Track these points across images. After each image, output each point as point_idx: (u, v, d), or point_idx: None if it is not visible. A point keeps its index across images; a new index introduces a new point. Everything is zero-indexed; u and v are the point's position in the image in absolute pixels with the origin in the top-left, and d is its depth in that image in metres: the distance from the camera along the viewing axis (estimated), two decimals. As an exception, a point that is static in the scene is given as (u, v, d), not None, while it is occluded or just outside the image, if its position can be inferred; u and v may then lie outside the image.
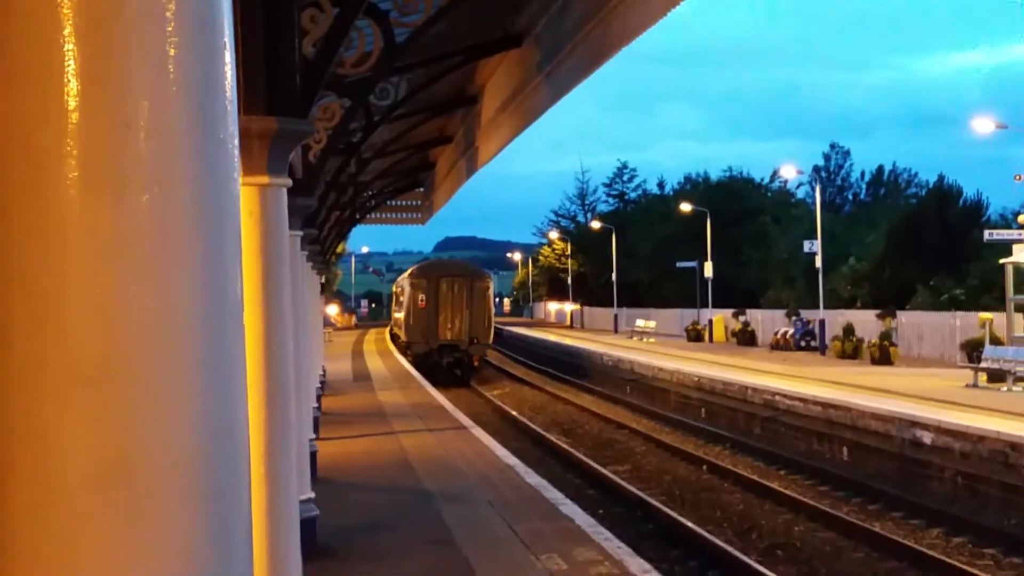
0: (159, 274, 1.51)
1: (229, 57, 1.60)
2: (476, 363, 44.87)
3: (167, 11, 1.52)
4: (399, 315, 50.29)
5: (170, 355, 1.51)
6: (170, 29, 1.52)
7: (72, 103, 1.48)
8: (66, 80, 1.48)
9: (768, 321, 55.02)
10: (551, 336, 70.48)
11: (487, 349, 47.24)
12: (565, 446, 26.55)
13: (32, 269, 1.49)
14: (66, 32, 1.48)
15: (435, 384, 36.33)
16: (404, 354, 48.24)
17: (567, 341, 62.18)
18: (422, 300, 44.03)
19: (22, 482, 1.49)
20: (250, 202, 6.90)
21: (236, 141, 1.61)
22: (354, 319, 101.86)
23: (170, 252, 1.51)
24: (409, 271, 49.26)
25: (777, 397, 29.07)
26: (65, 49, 1.48)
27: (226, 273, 1.57)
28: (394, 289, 58.74)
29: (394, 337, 57.47)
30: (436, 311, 43.80)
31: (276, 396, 7.21)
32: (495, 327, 49.66)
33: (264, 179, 6.98)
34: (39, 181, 1.49)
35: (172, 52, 1.52)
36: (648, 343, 58.32)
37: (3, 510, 1.51)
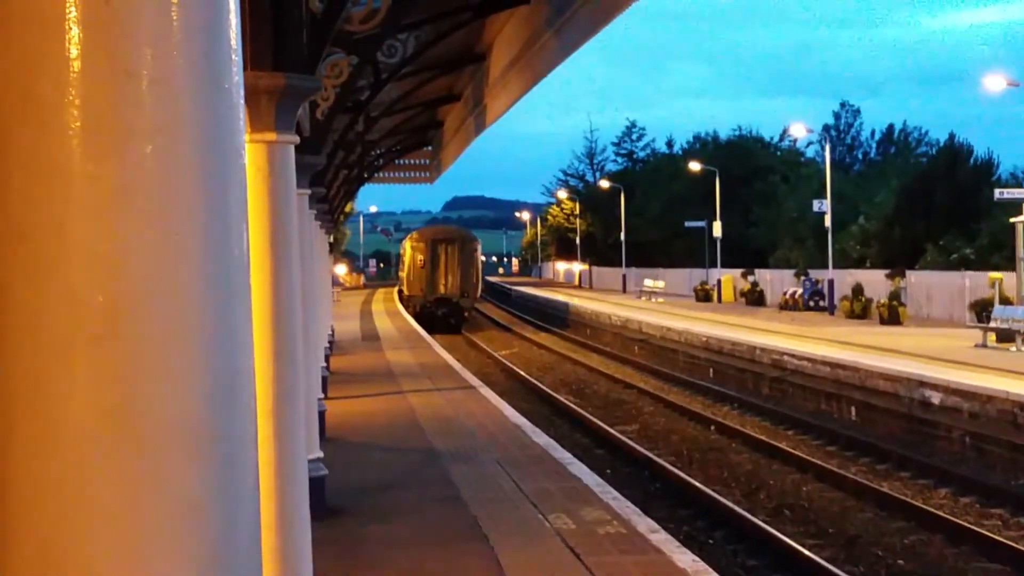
0: (163, 227, 1.48)
1: (234, 5, 1.57)
2: (466, 315, 52.09)
3: (170, -43, 1.48)
4: (403, 274, 57.49)
5: (175, 310, 1.48)
6: (173, -25, 1.48)
7: (73, 50, 1.44)
8: (67, 27, 1.44)
9: (777, 281, 54.97)
10: (559, 296, 70.50)
11: (475, 302, 55.10)
12: (573, 406, 26.61)
13: (33, 222, 1.46)
14: (66, -23, 1.44)
15: (432, 332, 42.02)
16: (406, 307, 54.52)
17: (576, 301, 62.19)
18: (421, 261, 52.11)
19: (27, 440, 1.47)
20: (258, 159, 6.86)
21: (241, 92, 1.58)
22: (362, 279, 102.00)
23: (174, 204, 1.48)
24: (409, 235, 57.11)
25: (785, 357, 29.06)
26: (65, -5, 1.44)
27: (231, 226, 1.54)
28: (400, 251, 66.31)
29: (401, 295, 61.42)
30: (432, 269, 51.76)
31: (284, 354, 7.20)
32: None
33: (272, 136, 6.93)
34: (40, 130, 1.45)
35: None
36: (657, 303, 58.30)
37: (8, 469, 1.48)
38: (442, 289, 51.69)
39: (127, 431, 1.47)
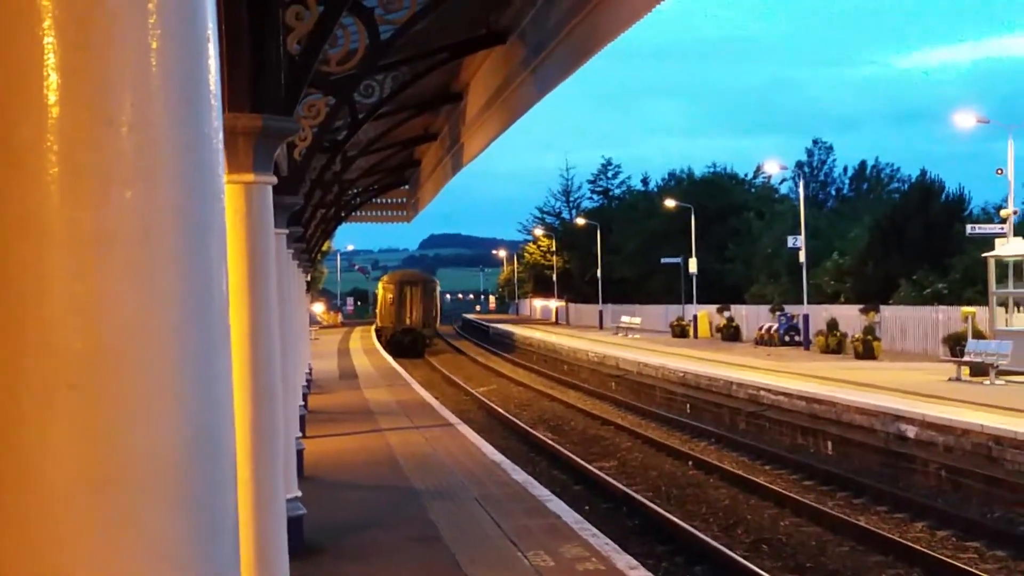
0: (143, 273, 1.47)
1: (213, 51, 1.56)
2: (429, 341, 64.60)
3: (149, 3, 1.48)
4: (377, 309, 70.54)
5: (155, 357, 1.47)
6: (152, 21, 1.48)
7: (52, 97, 1.44)
8: (46, 74, 1.44)
9: (753, 316, 55.13)
10: (536, 333, 70.50)
11: (436, 331, 69.64)
12: (551, 442, 26.55)
13: (11, 269, 1.45)
14: (45, 24, 1.44)
15: (399, 356, 53.49)
16: (379, 338, 64.67)
17: (552, 338, 62.20)
18: (390, 298, 65.53)
19: (5, 490, 1.45)
20: (235, 200, 6.85)
21: (221, 137, 1.57)
22: (340, 317, 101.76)
23: (154, 251, 1.47)
24: (381, 278, 73.70)
25: (762, 392, 29.10)
26: (44, 42, 1.44)
27: (211, 272, 1.53)
28: (376, 290, 78.91)
29: (377, 329, 69.30)
30: (399, 306, 64.56)
31: (262, 394, 7.17)
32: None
33: (249, 177, 6.93)
34: (19, 177, 1.44)
35: (155, 45, 1.48)
36: (633, 339, 58.35)
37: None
38: (408, 321, 64.05)
39: (106, 478, 1.45)
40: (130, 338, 1.46)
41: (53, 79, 1.44)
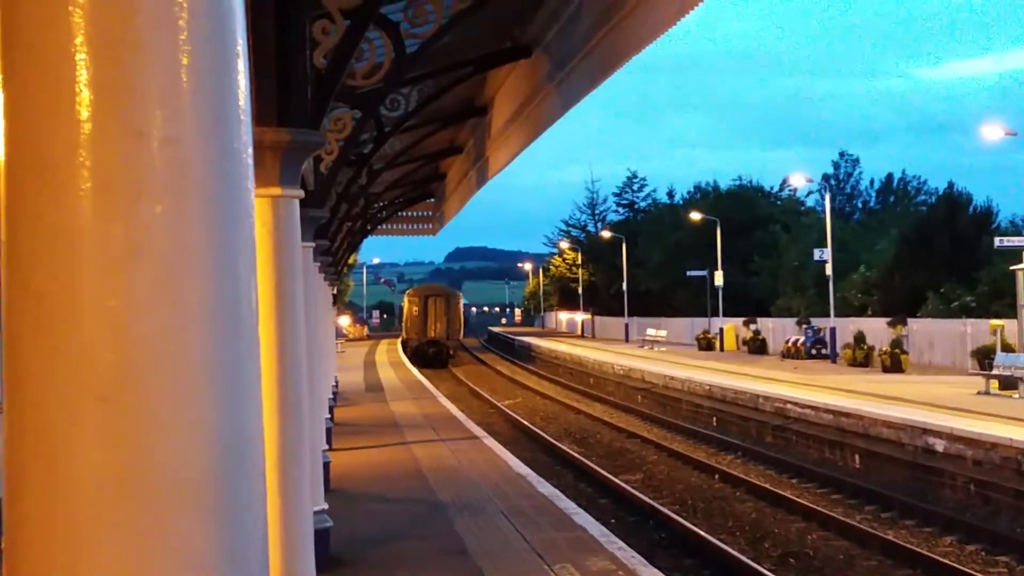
0: (173, 287, 1.48)
1: (243, 66, 1.57)
2: (452, 352, 66.99)
3: (180, 19, 1.48)
4: (404, 323, 74.17)
5: (185, 369, 1.47)
6: (183, 37, 1.49)
7: (84, 112, 1.45)
8: (78, 89, 1.45)
9: (779, 329, 54.94)
10: (562, 346, 70.48)
11: (459, 342, 73.38)
12: (577, 455, 26.52)
13: (43, 282, 1.46)
14: (78, 41, 1.45)
15: (423, 366, 56.63)
16: (405, 349, 67.13)
17: (578, 351, 62.16)
18: (416, 311, 68.91)
19: (35, 501, 1.46)
20: (263, 214, 6.88)
21: (250, 151, 1.58)
22: (366, 330, 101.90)
23: (184, 264, 1.48)
24: (407, 292, 75.82)
25: (788, 405, 28.99)
26: (76, 58, 1.45)
27: (240, 285, 1.53)
28: (402, 303, 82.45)
29: (404, 341, 71.71)
30: (424, 318, 67.78)
31: (289, 407, 7.19)
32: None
33: (277, 190, 6.96)
34: (50, 192, 1.45)
35: (185, 60, 1.49)
36: (659, 352, 58.26)
37: (17, 530, 1.48)
38: (432, 333, 67.26)
39: (135, 490, 1.46)
40: (160, 351, 1.47)
41: (85, 95, 1.45)
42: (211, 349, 1.48)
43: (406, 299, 72.57)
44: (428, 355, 64.48)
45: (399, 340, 77.44)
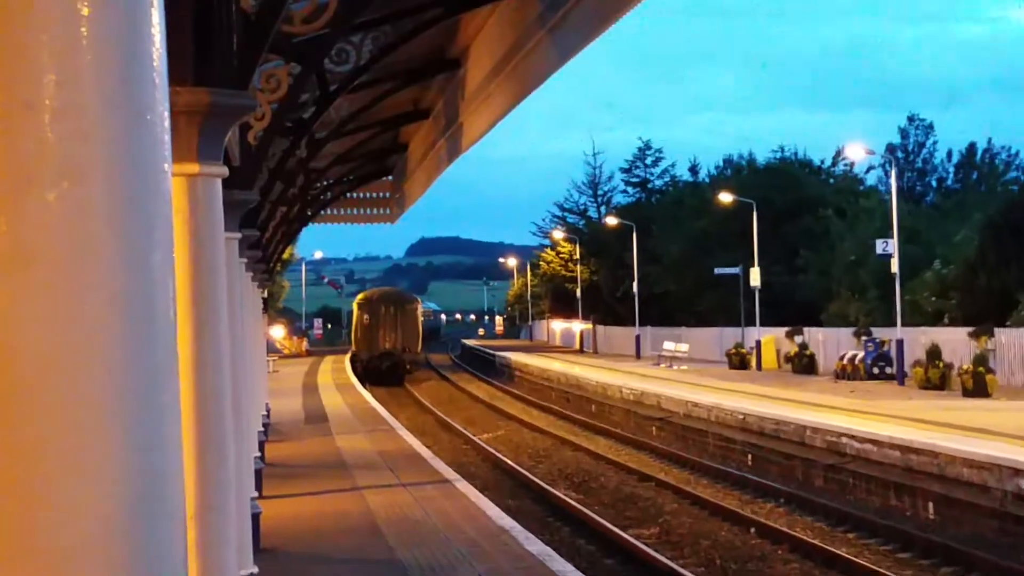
0: (70, 292, 1.48)
1: (158, 17, 1.59)
2: (408, 367, 71.23)
3: (78, -42, 1.50)
4: (352, 332, 78.45)
5: (85, 397, 1.48)
6: (82, -19, 1.50)
7: (-41, 78, 1.46)
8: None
9: (831, 342, 55.08)
10: (556, 363, 70.48)
11: (416, 356, 75.99)
12: (575, 503, 26.53)
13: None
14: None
15: (372, 384, 60.16)
16: (354, 365, 70.71)
17: (576, 370, 62.21)
18: (366, 320, 73.44)
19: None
20: (176, 197, 6.90)
21: (167, 122, 1.60)
22: (305, 344, 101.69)
23: (84, 265, 1.48)
24: (357, 298, 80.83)
25: (844, 439, 29.08)
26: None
27: (156, 293, 1.55)
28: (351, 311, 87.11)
29: (353, 357, 74.79)
30: (376, 328, 72.39)
31: (209, 443, 7.20)
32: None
33: (193, 167, 6.98)
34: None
35: (85, 11, 1.50)
36: (679, 371, 58.37)
37: None
38: (385, 344, 71.54)
39: (20, 550, 1.46)
40: (54, 375, 1.47)
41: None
42: (119, 372, 1.49)
43: (355, 306, 77.55)
44: (381, 370, 68.83)
45: (347, 356, 77.50)
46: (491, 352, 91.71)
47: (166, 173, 1.59)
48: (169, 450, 1.57)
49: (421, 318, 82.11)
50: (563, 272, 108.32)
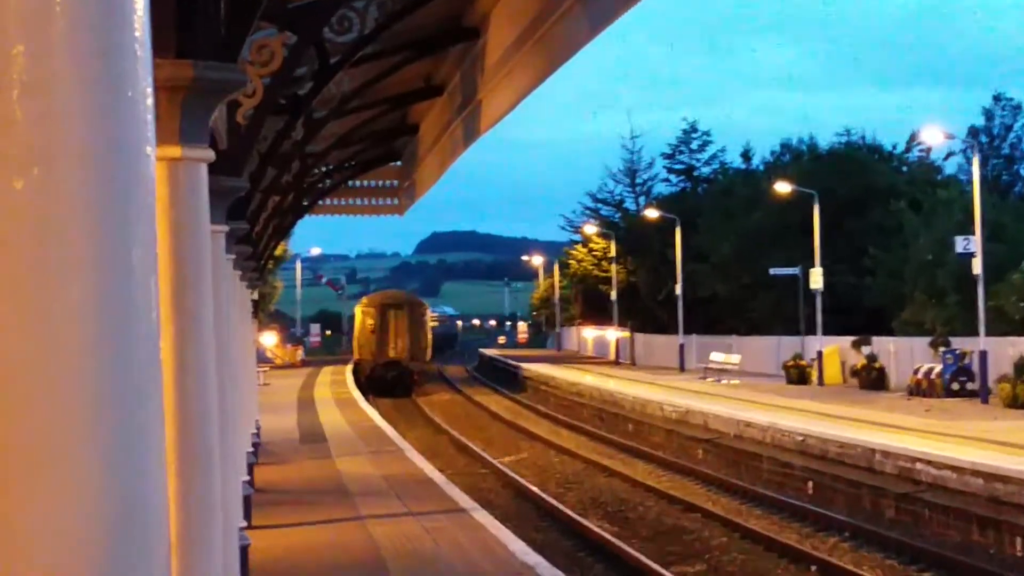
0: (38, 293, 1.47)
1: (140, -20, 1.60)
2: (416, 377, 74.01)
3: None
4: (355, 340, 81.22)
5: (53, 409, 1.47)
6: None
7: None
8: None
9: (904, 354, 54.92)
10: (588, 377, 70.48)
11: (425, 365, 78.89)
12: (609, 536, 26.52)
13: None
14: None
15: (377, 395, 65.82)
16: (357, 374, 74.08)
17: (611, 384, 62.20)
18: (371, 325, 76.03)
19: None
20: (156, 185, 6.94)
21: (150, 99, 1.60)
22: (301, 352, 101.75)
23: (55, 261, 1.48)
24: (360, 301, 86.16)
25: (918, 465, 29.01)
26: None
27: (136, 290, 1.54)
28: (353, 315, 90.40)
29: (355, 367, 77.25)
30: (382, 334, 74.96)
31: (191, 467, 7.22)
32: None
33: (175, 150, 6.99)
34: None
35: (59, -26, 1.51)
36: (729, 386, 58.30)
37: None
38: (391, 353, 74.33)
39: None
40: (15, 387, 1.46)
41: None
42: (94, 385, 1.49)
43: (358, 311, 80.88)
44: (387, 381, 72.18)
45: (349, 366, 77.68)
46: (513, 363, 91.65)
47: (149, 158, 1.59)
48: (151, 475, 1.56)
49: (431, 324, 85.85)
50: (596, 272, 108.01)
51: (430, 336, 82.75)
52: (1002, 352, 46.51)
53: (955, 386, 47.98)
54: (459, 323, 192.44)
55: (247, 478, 22.35)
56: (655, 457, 40.87)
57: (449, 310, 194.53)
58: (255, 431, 32.02)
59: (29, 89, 1.50)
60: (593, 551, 25.90)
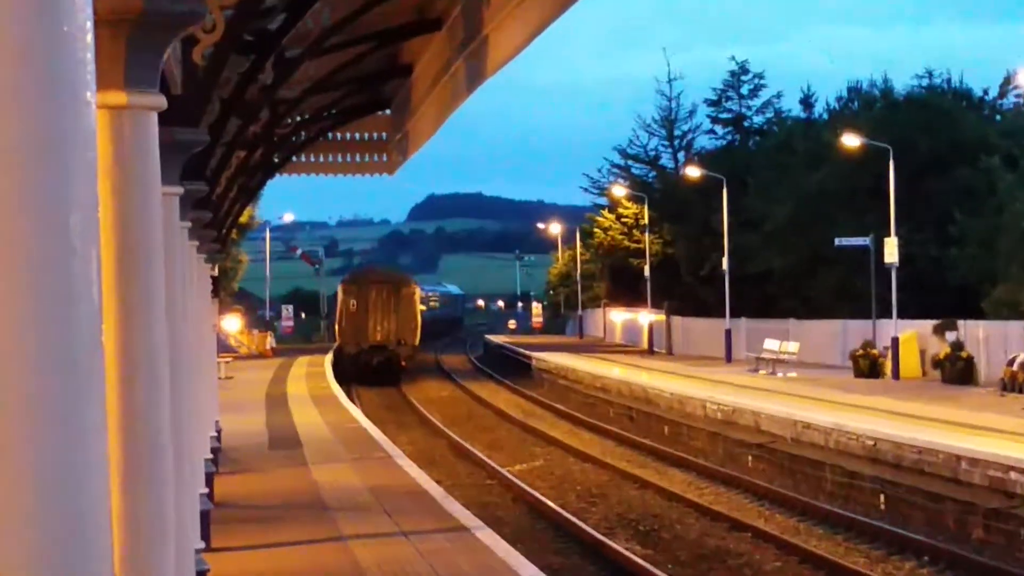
0: None
1: None
2: (404, 363, 79.53)
3: None
4: (336, 323, 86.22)
5: None
6: None
7: None
8: None
9: (996, 340, 54.83)
10: (615, 368, 70.54)
11: (414, 350, 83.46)
12: (641, 561, 26.56)
13: None
14: None
15: (359, 383, 70.62)
16: (338, 362, 78.36)
17: (643, 377, 62.21)
18: (353, 306, 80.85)
19: None
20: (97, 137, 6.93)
21: (90, 38, 1.61)
22: (271, 339, 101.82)
23: None
24: (343, 280, 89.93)
25: (1013, 474, 29.02)
26: None
27: (74, 262, 1.54)
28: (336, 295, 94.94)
29: (337, 355, 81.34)
30: (364, 315, 80.00)
31: (139, 478, 7.24)
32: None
33: (119, 97, 6.99)
34: None
35: None
36: (785, 380, 58.29)
37: None
38: (377, 336, 79.42)
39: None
40: None
41: None
42: (26, 375, 1.49)
43: (340, 291, 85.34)
44: (372, 367, 77.04)
45: (328, 356, 78.71)
46: (525, 352, 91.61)
47: (89, 105, 1.59)
48: (91, 488, 1.55)
49: (421, 305, 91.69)
50: (626, 243, 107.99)
51: (419, 318, 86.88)
52: (1115, 339, 46.46)
53: (1058, 380, 47.96)
54: (464, 305, 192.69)
55: (205, 491, 22.38)
56: (696, 465, 40.86)
57: (453, 288, 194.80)
58: (215, 434, 32.06)
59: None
60: (621, 577, 25.95)
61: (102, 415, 1.65)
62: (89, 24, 1.59)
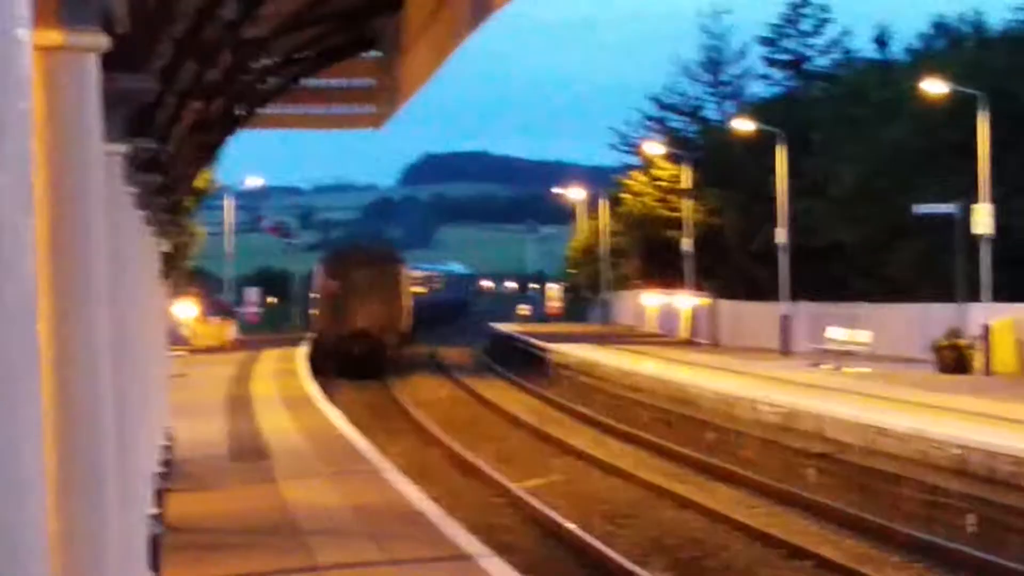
0: None
1: None
2: (389, 354, 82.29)
3: None
4: (313, 311, 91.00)
5: None
6: None
7: None
8: None
9: (1110, 330, 54.93)
10: (647, 362, 70.57)
11: (401, 337, 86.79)
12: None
13: None
14: None
15: (340, 375, 74.41)
16: (316, 358, 79.55)
17: (683, 373, 62.26)
18: (333, 288, 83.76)
19: None
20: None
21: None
22: (232, 329, 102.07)
23: None
24: (320, 259, 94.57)
25: None
26: None
27: (2, 236, 1.57)
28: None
29: (314, 348, 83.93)
30: (345, 299, 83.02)
31: (74, 496, 7.27)
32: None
33: (54, 37, 7.02)
34: None
35: None
36: (855, 376, 58.34)
37: None
38: (359, 322, 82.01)
39: None
40: None
41: None
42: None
43: (319, 271, 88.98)
44: (353, 357, 79.95)
45: (301, 349, 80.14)
46: (539, 344, 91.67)
47: (22, 45, 1.61)
48: (23, 507, 1.57)
49: (420, 288, 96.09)
50: (661, 211, 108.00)
51: (409, 301, 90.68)
52: None
53: None
54: (466, 285, 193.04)
55: (154, 511, 22.46)
56: (746, 480, 40.90)
57: (458, 268, 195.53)
58: (166, 443, 32.15)
59: None
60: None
61: (36, 422, 1.67)
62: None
